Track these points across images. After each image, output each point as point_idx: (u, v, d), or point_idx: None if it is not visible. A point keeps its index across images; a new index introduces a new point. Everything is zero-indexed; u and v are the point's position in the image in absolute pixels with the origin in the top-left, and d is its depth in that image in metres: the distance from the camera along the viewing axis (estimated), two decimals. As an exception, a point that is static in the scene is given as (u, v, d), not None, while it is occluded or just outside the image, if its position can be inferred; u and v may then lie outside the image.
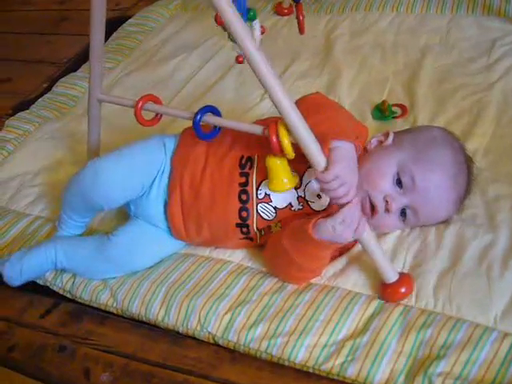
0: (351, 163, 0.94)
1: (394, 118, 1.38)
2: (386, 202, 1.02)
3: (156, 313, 1.06)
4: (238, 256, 1.12)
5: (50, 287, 1.17)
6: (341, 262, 1.07)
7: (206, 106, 1.03)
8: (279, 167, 0.97)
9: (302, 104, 1.00)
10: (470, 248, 1.03)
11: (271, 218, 1.05)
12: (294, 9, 1.19)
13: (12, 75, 1.98)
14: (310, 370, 0.94)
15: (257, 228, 1.06)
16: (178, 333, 1.05)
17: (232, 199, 1.05)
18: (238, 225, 1.06)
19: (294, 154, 0.93)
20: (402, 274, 0.99)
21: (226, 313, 1.02)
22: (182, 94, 1.64)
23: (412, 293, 0.98)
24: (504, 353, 0.88)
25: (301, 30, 1.22)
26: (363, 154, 1.08)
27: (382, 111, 1.39)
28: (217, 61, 1.75)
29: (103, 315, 1.11)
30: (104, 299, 1.11)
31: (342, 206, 0.93)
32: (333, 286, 1.03)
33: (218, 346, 1.01)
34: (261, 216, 1.05)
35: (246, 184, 1.05)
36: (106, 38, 1.98)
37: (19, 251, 1.17)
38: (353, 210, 0.93)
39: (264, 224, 1.06)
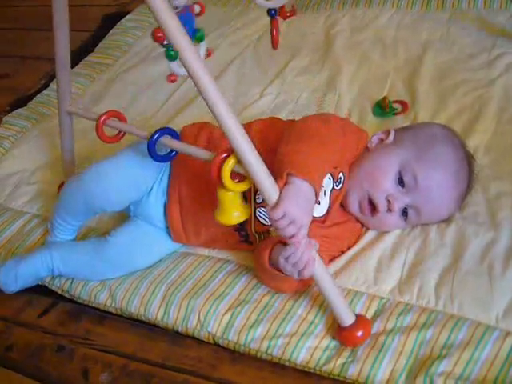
0: (303, 202, 0.86)
1: (394, 114, 1.37)
2: (389, 201, 1.01)
3: (155, 312, 1.06)
4: (237, 256, 1.12)
5: (48, 287, 1.16)
6: (341, 261, 1.06)
7: (163, 128, 0.98)
8: (229, 200, 0.90)
9: (292, 129, 0.98)
10: (472, 246, 1.03)
11: (269, 222, 1.04)
12: (270, 24, 1.16)
13: (9, 71, 1.98)
14: (311, 371, 0.94)
15: (255, 232, 1.05)
16: (177, 332, 1.04)
17: None
18: (236, 229, 1.05)
19: (236, 190, 0.88)
20: (359, 317, 0.94)
21: (225, 312, 1.01)
22: (181, 89, 1.63)
23: (369, 336, 0.93)
24: (506, 352, 0.88)
25: (274, 45, 1.19)
26: (364, 154, 1.08)
27: (382, 108, 1.38)
28: (216, 57, 1.74)
29: (102, 315, 1.10)
30: (103, 299, 1.11)
31: (288, 242, 0.88)
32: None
33: (218, 345, 1.01)
34: (259, 221, 1.04)
35: None
36: (106, 33, 2.00)
37: (14, 258, 1.15)
38: (299, 252, 0.86)
39: (262, 228, 1.05)
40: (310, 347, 0.95)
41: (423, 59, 1.52)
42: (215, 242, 1.12)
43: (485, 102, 1.33)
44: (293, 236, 0.85)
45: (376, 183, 1.02)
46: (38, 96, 1.74)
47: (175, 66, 0.86)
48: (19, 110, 1.67)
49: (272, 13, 1.14)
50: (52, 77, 1.81)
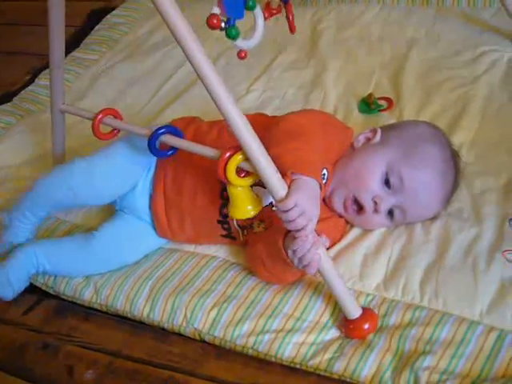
0: (311, 195, 0.87)
1: (379, 111, 1.38)
2: (375, 202, 1.02)
3: (141, 309, 1.05)
4: (223, 251, 1.12)
5: (33, 283, 1.15)
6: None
7: (164, 126, 0.99)
8: (240, 195, 0.92)
9: (277, 129, 0.98)
10: (456, 242, 1.03)
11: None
12: (284, 9, 1.16)
13: (-7, 66, 1.96)
14: (298, 366, 0.94)
15: (238, 225, 1.05)
16: (163, 329, 1.04)
17: (214, 196, 1.04)
18: (219, 221, 1.05)
19: (243, 184, 0.90)
20: (365, 310, 0.95)
21: (212, 308, 1.01)
22: (168, 85, 1.63)
23: (376, 329, 0.94)
24: (490, 347, 0.89)
25: (291, 30, 1.19)
26: (350, 152, 1.08)
27: (368, 104, 1.39)
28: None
29: (87, 312, 1.09)
30: (87, 296, 1.10)
31: (296, 236, 0.88)
32: (319, 281, 1.02)
33: (204, 342, 1.01)
34: None
35: None
36: (92, 28, 1.98)
37: None
38: (305, 246, 0.87)
39: (245, 222, 1.05)
40: (297, 343, 0.95)
41: (408, 56, 1.52)
42: (199, 235, 1.11)
43: (469, 99, 1.34)
44: (302, 229, 0.86)
45: (362, 184, 1.03)
46: (23, 92, 1.73)
47: (241, 43, 0.86)
48: (4, 106, 1.66)
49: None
50: (37, 72, 1.80)
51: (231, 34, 0.83)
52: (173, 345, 1.00)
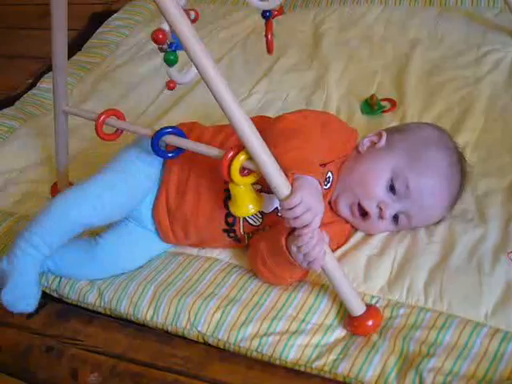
0: (315, 192, 0.87)
1: (382, 112, 1.38)
2: (380, 208, 1.01)
3: (144, 312, 1.05)
4: (227, 254, 1.11)
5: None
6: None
7: (167, 127, 0.99)
8: (242, 193, 0.92)
9: (274, 129, 0.98)
10: (461, 243, 1.03)
11: (258, 223, 1.04)
12: (265, 26, 1.12)
13: (-4, 71, 1.96)
14: (302, 369, 0.93)
15: (244, 232, 1.05)
16: (166, 332, 1.04)
17: (219, 205, 1.03)
18: (224, 230, 1.05)
19: (245, 183, 0.90)
20: (369, 307, 0.95)
21: (215, 311, 1.01)
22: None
23: (380, 326, 0.94)
24: (494, 348, 0.88)
25: (269, 50, 1.15)
26: (355, 156, 1.08)
27: (370, 105, 1.39)
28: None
29: (91, 315, 1.09)
30: (91, 299, 1.10)
31: (301, 233, 0.88)
32: (323, 283, 1.02)
33: (208, 345, 1.01)
34: (248, 222, 1.04)
35: None
36: (93, 31, 1.99)
37: (6, 279, 1.04)
38: (311, 242, 0.87)
39: (251, 229, 1.05)
40: (301, 345, 0.94)
41: (411, 57, 1.52)
42: (204, 242, 1.11)
43: (473, 100, 1.34)
44: (308, 225, 0.86)
45: (367, 190, 1.02)
46: (25, 95, 1.73)
47: (174, 73, 0.85)
48: (6, 110, 1.66)
49: (267, 15, 1.11)
50: (39, 76, 1.80)
51: (168, 58, 0.82)
52: (177, 348, 1.00)
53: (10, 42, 2.09)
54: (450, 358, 0.88)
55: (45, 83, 1.75)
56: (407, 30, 1.63)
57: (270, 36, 1.13)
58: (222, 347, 0.99)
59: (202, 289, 1.05)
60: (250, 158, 0.86)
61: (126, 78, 1.71)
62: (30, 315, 1.10)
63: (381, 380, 0.88)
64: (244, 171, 0.90)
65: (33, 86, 1.77)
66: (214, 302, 1.02)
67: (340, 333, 0.95)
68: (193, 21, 0.91)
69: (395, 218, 1.04)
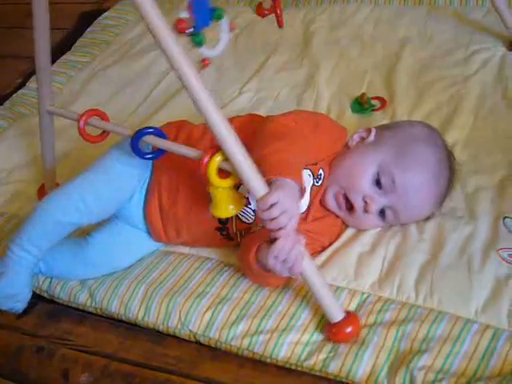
0: (292, 194, 0.86)
1: (373, 110, 1.38)
2: (366, 202, 1.02)
3: (136, 312, 1.05)
4: (217, 253, 1.11)
5: (27, 287, 1.15)
6: (322, 256, 1.06)
7: (147, 128, 0.98)
8: (220, 194, 0.91)
9: (262, 131, 0.98)
10: (451, 240, 1.03)
11: (250, 220, 1.04)
12: (273, 3, 1.16)
13: (-15, 70, 1.95)
14: (293, 367, 0.94)
15: (237, 230, 1.05)
16: (158, 331, 1.04)
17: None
18: (217, 228, 1.05)
19: (223, 186, 0.89)
20: (348, 313, 0.93)
21: (206, 310, 1.01)
22: (160, 87, 1.62)
23: (359, 333, 0.93)
24: (485, 345, 0.89)
25: (279, 23, 1.19)
26: (345, 151, 1.08)
27: (361, 104, 1.39)
28: (195, 54, 1.73)
29: (82, 315, 1.09)
30: (82, 299, 1.10)
31: (276, 239, 0.86)
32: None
33: (199, 344, 1.01)
34: (240, 219, 1.04)
35: None
36: (83, 30, 1.98)
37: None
38: (287, 247, 0.86)
39: (243, 226, 1.05)
40: (291, 342, 0.94)
41: (401, 56, 1.53)
42: (196, 240, 1.11)
43: (462, 98, 1.35)
44: (283, 228, 0.85)
45: (353, 182, 1.03)
46: (14, 95, 1.72)
47: (205, 51, 0.86)
48: (-5, 110, 1.65)
49: None
50: (29, 76, 1.79)
51: (196, 41, 0.83)
52: (168, 347, 1.00)
53: (1, 41, 2.08)
54: (440, 355, 0.89)
55: (34, 83, 1.73)
56: (397, 29, 1.63)
57: (278, 11, 1.16)
58: (213, 346, 0.99)
59: (192, 288, 1.05)
60: (227, 158, 0.86)
61: (117, 77, 1.70)
62: (20, 316, 1.10)
63: (372, 378, 0.89)
64: (223, 174, 0.89)
65: (22, 85, 1.76)
66: (204, 301, 1.02)
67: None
68: None
69: (382, 213, 1.04)
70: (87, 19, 2.01)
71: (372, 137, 1.07)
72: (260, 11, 1.84)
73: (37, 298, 1.13)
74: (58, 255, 1.11)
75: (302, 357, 0.93)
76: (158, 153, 0.99)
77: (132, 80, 1.68)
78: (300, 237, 0.88)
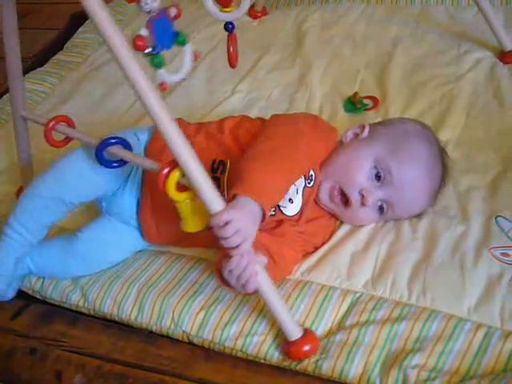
0: (249, 214, 0.85)
1: (365, 110, 1.38)
2: (362, 195, 1.02)
3: (128, 312, 1.05)
4: (211, 254, 1.11)
5: (20, 288, 1.14)
6: (314, 256, 1.06)
7: (111, 137, 0.99)
8: (187, 208, 0.89)
9: (255, 145, 0.97)
10: (443, 239, 1.04)
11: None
12: (227, 39, 1.07)
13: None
14: (286, 368, 0.93)
15: None
16: (151, 332, 1.04)
17: None
18: (210, 228, 1.05)
19: (182, 199, 0.88)
20: (306, 331, 0.93)
21: (199, 311, 1.01)
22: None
23: (316, 351, 0.92)
24: (478, 343, 0.89)
25: (231, 63, 1.12)
26: (338, 147, 1.08)
27: (353, 103, 1.39)
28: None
29: (75, 316, 1.09)
30: (75, 299, 1.09)
31: (231, 253, 0.86)
32: (307, 280, 1.03)
33: (193, 344, 1.00)
34: None
35: (217, 188, 1.02)
36: (75, 31, 1.96)
37: None
38: (242, 264, 0.86)
39: None
40: (285, 345, 0.94)
41: (393, 55, 1.53)
42: (190, 240, 1.10)
43: (454, 97, 1.35)
44: (237, 247, 0.84)
45: (350, 176, 1.03)
46: (6, 96, 1.70)
47: (165, 74, 0.84)
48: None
49: (230, 27, 1.04)
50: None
51: (155, 62, 0.81)
52: (161, 348, 0.99)
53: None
54: (433, 353, 0.89)
55: (26, 83, 1.72)
56: (389, 28, 1.63)
57: (231, 49, 1.08)
58: (206, 346, 0.99)
59: (185, 288, 1.05)
60: (184, 174, 0.85)
61: (109, 77, 1.69)
62: (13, 317, 1.09)
63: (364, 377, 0.89)
64: (183, 187, 0.88)
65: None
66: (197, 302, 1.02)
67: (320, 332, 0.96)
68: (174, 17, 0.90)
69: (381, 208, 1.04)
70: (79, 19, 2.00)
71: (366, 133, 1.08)
72: (252, 13, 1.85)
73: (30, 300, 1.13)
74: (47, 251, 1.11)
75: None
76: (121, 163, 1.00)
77: (124, 81, 1.67)
78: (256, 256, 0.88)
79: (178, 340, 1.01)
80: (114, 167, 1.00)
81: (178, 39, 0.87)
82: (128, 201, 1.10)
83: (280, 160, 0.95)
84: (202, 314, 1.00)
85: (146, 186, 1.08)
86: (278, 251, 0.99)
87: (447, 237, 1.04)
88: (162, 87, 0.92)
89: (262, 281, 0.89)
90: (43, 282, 1.12)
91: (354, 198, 1.02)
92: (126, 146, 0.99)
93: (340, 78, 1.50)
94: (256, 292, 0.90)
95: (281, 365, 0.94)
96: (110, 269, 1.12)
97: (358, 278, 1.01)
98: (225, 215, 0.83)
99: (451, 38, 1.54)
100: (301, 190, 1.03)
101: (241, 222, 0.83)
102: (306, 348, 0.92)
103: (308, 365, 0.92)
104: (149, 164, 0.94)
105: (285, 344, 0.93)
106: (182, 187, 0.87)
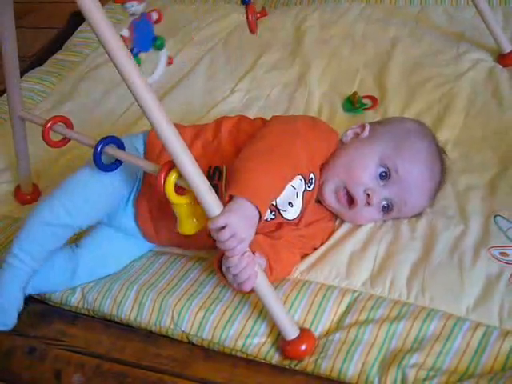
0: (245, 217, 0.86)
1: (364, 109, 1.38)
2: (367, 195, 1.02)
3: (128, 313, 1.05)
4: (210, 253, 1.10)
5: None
6: (313, 256, 1.07)
7: (108, 137, 0.98)
8: (184, 210, 0.89)
9: (250, 145, 0.97)
10: (442, 239, 1.04)
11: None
12: (245, 10, 1.16)
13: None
14: (286, 367, 0.93)
15: None
16: (150, 332, 1.04)
17: None
18: (209, 235, 1.05)
19: (180, 202, 0.88)
20: (303, 330, 0.93)
21: (199, 310, 1.01)
22: (152, 86, 1.61)
23: (314, 350, 0.93)
24: (476, 343, 0.89)
25: (251, 29, 1.18)
26: (339, 147, 1.09)
27: (352, 103, 1.39)
28: (186, 54, 1.73)
29: (74, 315, 1.08)
30: (74, 302, 1.09)
31: (228, 255, 0.87)
32: (306, 279, 1.03)
33: (192, 344, 1.00)
34: None
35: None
36: (74, 30, 1.96)
37: None
38: (240, 265, 0.86)
39: None
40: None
41: (392, 54, 1.53)
42: (189, 244, 1.10)
43: (453, 97, 1.35)
44: (232, 250, 0.85)
45: (354, 176, 1.03)
46: (6, 95, 1.71)
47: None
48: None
49: (246, 0, 1.17)
50: (19, 75, 1.78)
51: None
52: (161, 347, 0.99)
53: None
54: (432, 352, 0.89)
55: (26, 82, 1.72)
56: (388, 27, 1.64)
57: (250, 17, 1.14)
58: (206, 346, 0.99)
59: (185, 288, 1.05)
60: (182, 175, 0.85)
61: (108, 76, 1.69)
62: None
63: (362, 376, 0.89)
64: (181, 190, 0.88)
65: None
66: (197, 301, 1.02)
67: (318, 331, 0.96)
68: (155, 21, 0.92)
69: (385, 208, 1.04)
70: (78, 19, 2.00)
71: (366, 132, 1.08)
72: (252, 13, 1.85)
73: (28, 298, 1.13)
74: (47, 271, 1.07)
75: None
76: (117, 164, 0.99)
77: (123, 81, 1.67)
78: (257, 258, 0.88)
79: (177, 340, 1.01)
80: (109, 170, 0.99)
81: (156, 43, 0.89)
82: (122, 212, 1.09)
83: (275, 159, 0.95)
84: (202, 313, 1.00)
85: (145, 190, 1.08)
86: (275, 256, 0.99)
87: (446, 236, 1.04)
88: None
89: (260, 281, 0.89)
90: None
91: (360, 197, 1.02)
92: (119, 145, 0.98)
93: (339, 78, 1.50)
94: (253, 292, 0.91)
95: (280, 364, 0.94)
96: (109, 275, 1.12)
97: (357, 277, 1.01)
98: (221, 219, 0.83)
99: (450, 38, 1.55)
100: (301, 193, 1.03)
101: (237, 225, 0.84)
102: (303, 347, 0.92)
103: (307, 364, 0.92)
104: (144, 164, 0.94)
105: (282, 343, 0.94)
106: (181, 190, 0.88)
